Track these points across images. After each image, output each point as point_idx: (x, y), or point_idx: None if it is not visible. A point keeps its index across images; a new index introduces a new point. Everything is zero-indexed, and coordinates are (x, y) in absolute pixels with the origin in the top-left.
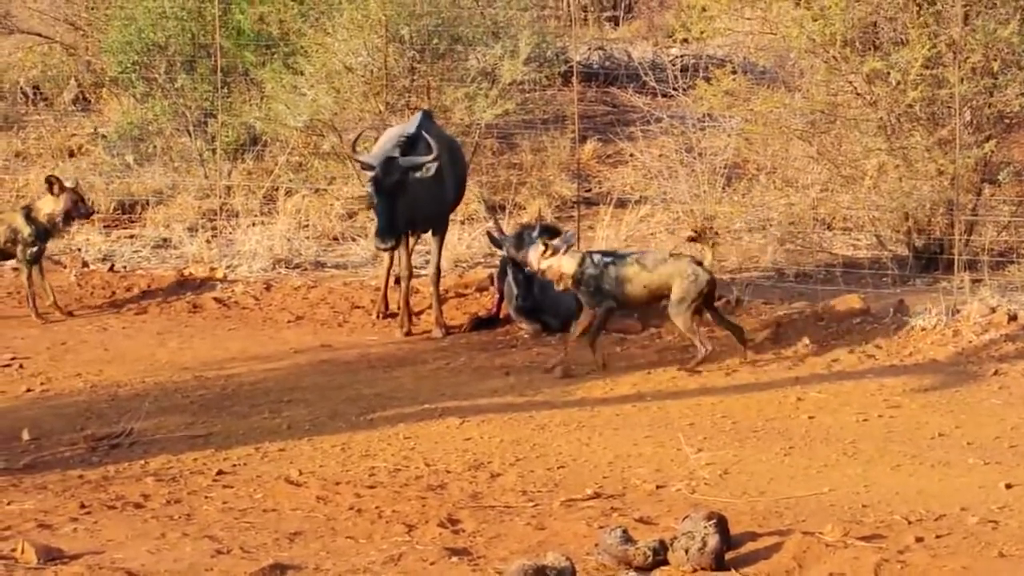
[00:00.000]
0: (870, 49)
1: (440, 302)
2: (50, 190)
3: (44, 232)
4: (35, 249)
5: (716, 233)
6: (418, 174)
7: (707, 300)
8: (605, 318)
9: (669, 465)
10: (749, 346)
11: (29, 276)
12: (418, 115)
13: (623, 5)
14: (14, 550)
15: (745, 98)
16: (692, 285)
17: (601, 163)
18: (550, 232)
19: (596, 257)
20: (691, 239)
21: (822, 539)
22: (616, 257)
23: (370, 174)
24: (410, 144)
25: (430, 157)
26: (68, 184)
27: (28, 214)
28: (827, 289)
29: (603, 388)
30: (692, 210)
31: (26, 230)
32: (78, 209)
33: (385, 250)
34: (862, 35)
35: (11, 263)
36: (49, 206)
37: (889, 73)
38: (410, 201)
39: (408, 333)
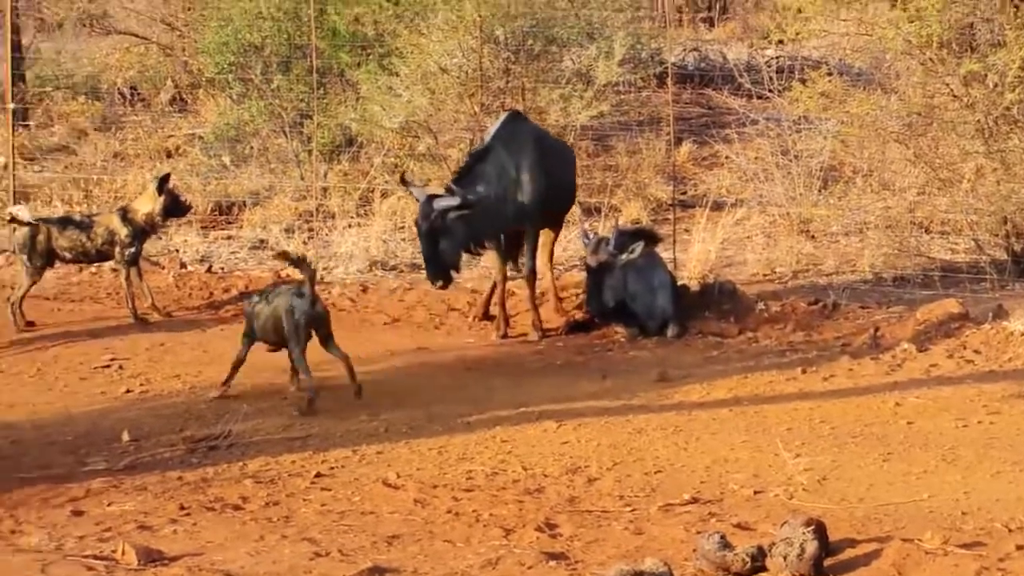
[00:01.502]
0: (967, 51)
1: (536, 305)
2: (159, 189)
3: (141, 233)
4: (132, 250)
5: (306, 261)
6: (454, 215)
7: (318, 331)
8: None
9: (767, 470)
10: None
11: (127, 277)
12: (503, 116)
13: (718, 6)
14: (115, 551)
15: (841, 100)
16: (290, 319)
17: (696, 165)
18: (630, 237)
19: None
20: (279, 257)
21: (921, 546)
22: (261, 292)
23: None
24: (463, 175)
25: (456, 202)
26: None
27: (125, 215)
28: (925, 293)
29: (700, 392)
30: (788, 212)
31: (123, 231)
32: (176, 206)
33: (440, 288)
34: (959, 37)
35: (109, 264)
36: (146, 205)
37: (986, 75)
38: (476, 217)
39: (504, 336)
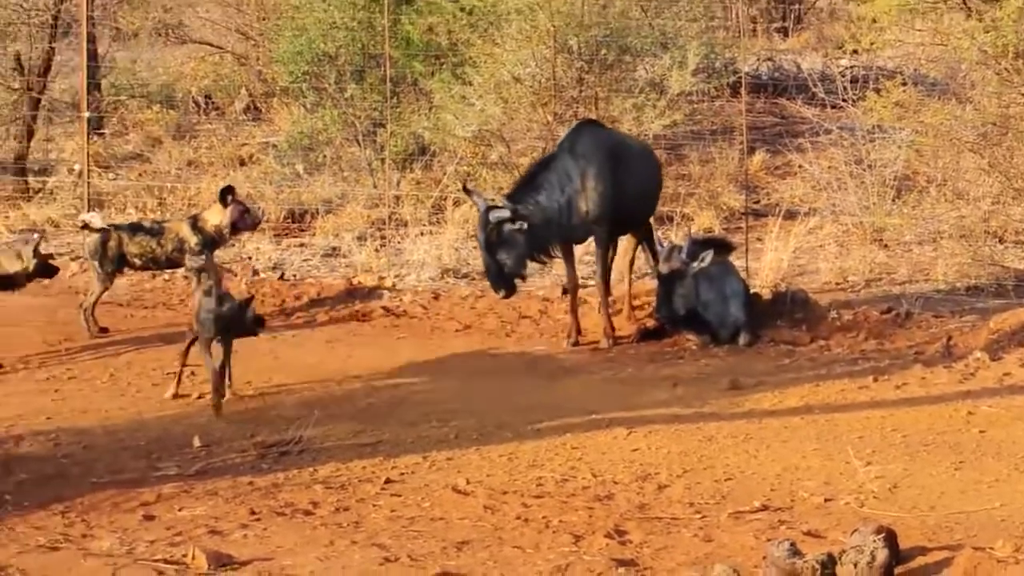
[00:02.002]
0: None
1: (608, 312)
2: (222, 201)
3: (210, 242)
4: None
5: (209, 261)
6: (510, 226)
7: (227, 331)
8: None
9: (838, 478)
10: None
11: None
12: (574, 124)
13: (793, 16)
14: (185, 556)
15: (915, 110)
16: (202, 317)
17: (769, 174)
18: (702, 246)
19: None
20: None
21: (993, 555)
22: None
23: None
24: (524, 184)
25: (507, 214)
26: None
27: (195, 224)
28: (998, 302)
29: (771, 400)
30: (861, 221)
31: (192, 239)
32: (244, 221)
33: (503, 298)
34: None
35: (183, 271)
36: (216, 217)
37: None
38: (535, 227)
39: (575, 344)
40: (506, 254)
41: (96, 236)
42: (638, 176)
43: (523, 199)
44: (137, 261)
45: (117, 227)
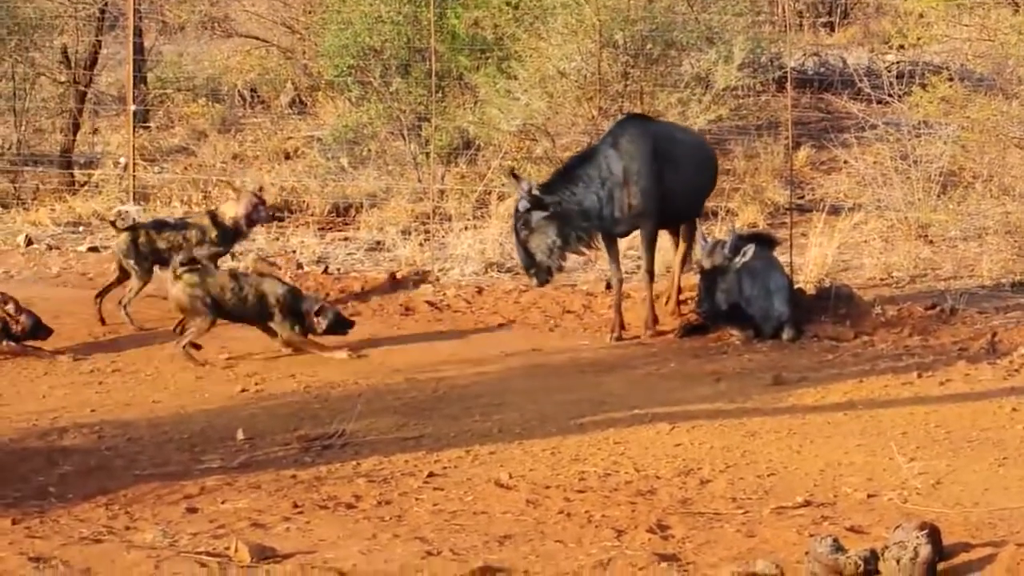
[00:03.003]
0: None
1: (652, 306)
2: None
3: (230, 234)
4: (220, 249)
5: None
6: (539, 216)
7: None
8: None
9: (881, 474)
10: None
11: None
12: (619, 118)
13: (839, 11)
14: (228, 548)
15: (962, 105)
16: None
17: (815, 170)
18: (746, 241)
19: None
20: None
21: None
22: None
23: None
24: (561, 175)
25: (527, 204)
26: (250, 188)
27: (214, 217)
28: None
29: (815, 395)
30: (906, 217)
31: (213, 232)
32: (258, 213)
33: (537, 286)
34: None
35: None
36: (232, 210)
37: None
38: (567, 218)
39: (619, 339)
40: (536, 243)
41: (125, 235)
42: (688, 169)
43: (557, 189)
44: (166, 256)
45: (143, 225)
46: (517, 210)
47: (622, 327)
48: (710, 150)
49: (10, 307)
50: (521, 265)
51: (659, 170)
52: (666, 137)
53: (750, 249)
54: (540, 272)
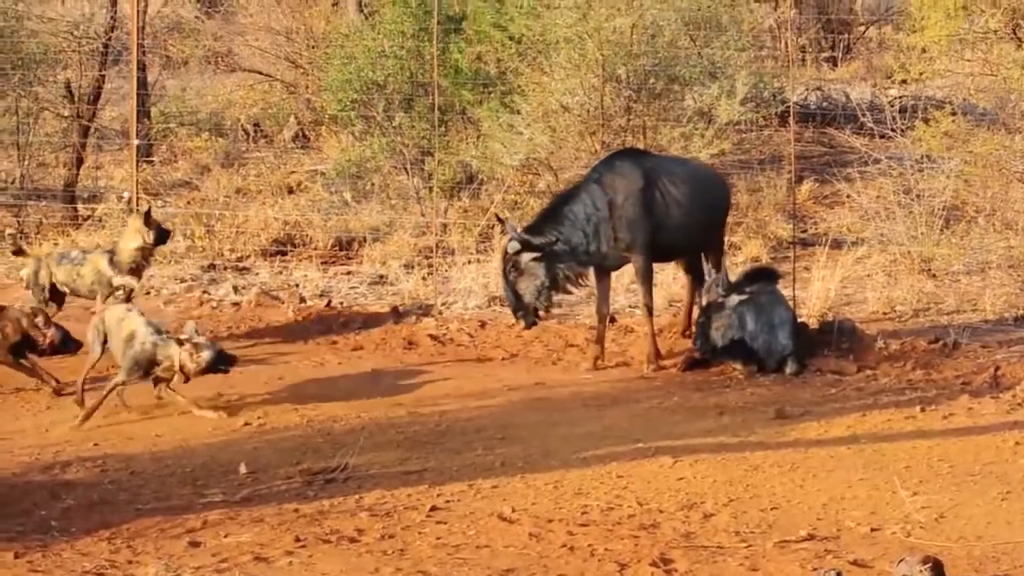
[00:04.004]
0: None
1: (653, 340)
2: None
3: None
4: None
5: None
6: (528, 257)
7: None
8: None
9: (884, 508)
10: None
11: None
12: (607, 154)
13: (842, 46)
14: None
15: (964, 140)
16: None
17: (817, 204)
18: (750, 275)
19: None
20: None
21: None
22: None
23: None
24: (546, 215)
25: (517, 247)
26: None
27: (111, 257)
28: None
29: (818, 429)
30: (909, 251)
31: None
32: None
33: (524, 329)
34: None
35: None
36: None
37: None
38: (556, 258)
39: (595, 368)
40: (525, 285)
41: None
42: (684, 202)
43: (543, 230)
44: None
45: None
46: (506, 252)
47: (603, 359)
48: (717, 184)
49: (39, 319)
50: (509, 307)
51: (647, 203)
52: (658, 169)
53: (745, 288)
54: (528, 315)
